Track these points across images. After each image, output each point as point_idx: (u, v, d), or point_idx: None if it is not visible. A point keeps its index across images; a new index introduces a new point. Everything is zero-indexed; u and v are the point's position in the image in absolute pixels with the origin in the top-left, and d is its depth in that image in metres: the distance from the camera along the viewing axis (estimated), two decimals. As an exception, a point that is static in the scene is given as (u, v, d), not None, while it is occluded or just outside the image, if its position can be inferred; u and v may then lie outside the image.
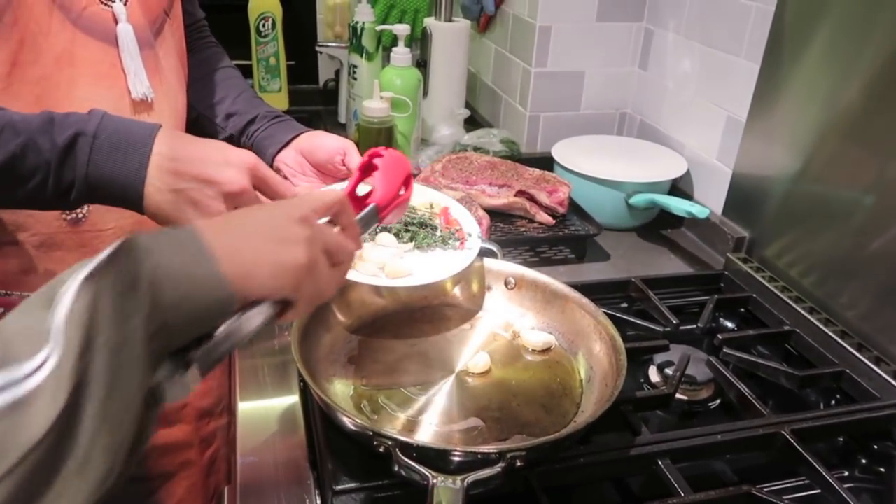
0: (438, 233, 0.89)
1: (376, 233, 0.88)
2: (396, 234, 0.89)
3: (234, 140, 0.97)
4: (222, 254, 0.42)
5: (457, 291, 0.91)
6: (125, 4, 0.77)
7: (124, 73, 0.78)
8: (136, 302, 0.37)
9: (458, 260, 0.86)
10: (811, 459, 0.71)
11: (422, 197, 0.95)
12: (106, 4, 0.76)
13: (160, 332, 0.38)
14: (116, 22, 0.76)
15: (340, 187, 0.91)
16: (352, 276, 0.81)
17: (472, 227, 0.91)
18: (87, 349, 0.34)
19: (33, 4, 0.69)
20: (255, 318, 0.46)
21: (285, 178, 0.94)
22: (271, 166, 0.95)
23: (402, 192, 0.69)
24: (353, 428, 0.64)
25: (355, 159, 0.92)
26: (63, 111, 0.73)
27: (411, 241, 0.88)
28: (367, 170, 0.69)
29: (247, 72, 1.68)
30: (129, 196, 0.63)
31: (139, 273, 0.37)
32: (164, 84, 0.84)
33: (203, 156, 0.64)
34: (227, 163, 0.65)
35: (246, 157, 0.67)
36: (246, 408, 0.79)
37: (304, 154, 0.94)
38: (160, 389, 0.40)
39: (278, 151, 0.94)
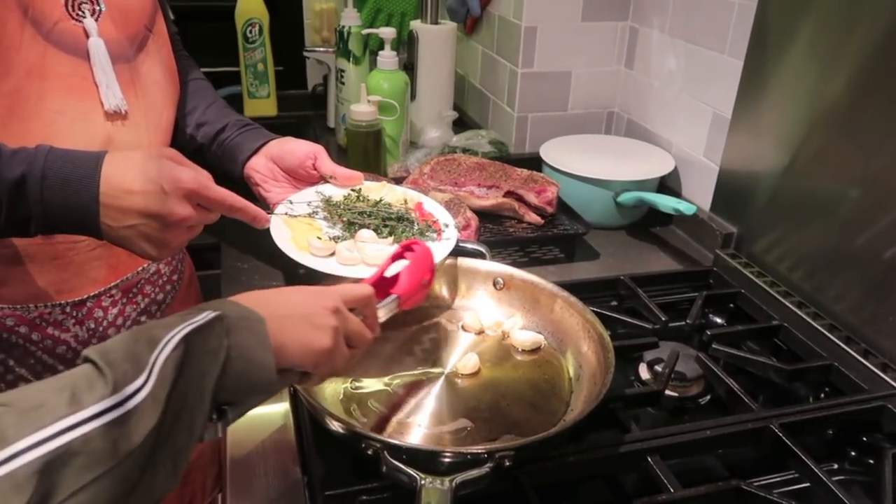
0: (416, 226, 0.90)
1: (356, 230, 0.90)
2: (376, 230, 0.90)
3: (204, 149, 0.98)
4: (271, 326, 0.53)
5: (445, 292, 0.91)
6: (97, 20, 0.78)
7: (96, 86, 0.79)
8: (214, 364, 0.49)
9: (438, 250, 0.86)
10: (800, 453, 0.71)
11: (394, 194, 0.96)
12: (77, 20, 0.77)
13: (220, 391, 0.50)
14: (87, 36, 0.77)
15: (313, 191, 0.93)
16: (338, 270, 0.83)
17: (446, 218, 0.93)
18: (175, 386, 0.46)
19: (6, 21, 0.70)
20: (282, 382, 0.57)
21: (256, 184, 0.96)
22: (242, 173, 0.97)
23: (424, 281, 0.77)
24: (341, 431, 0.65)
25: (326, 163, 0.94)
26: (34, 122, 0.73)
27: (391, 235, 0.89)
28: (397, 256, 0.77)
29: (235, 78, 1.68)
30: (87, 228, 0.67)
31: (221, 344, 0.50)
32: (142, 98, 0.84)
33: (142, 188, 0.66)
34: (165, 192, 0.67)
35: (185, 180, 0.68)
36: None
37: (274, 160, 0.95)
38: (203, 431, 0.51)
39: (248, 158, 0.96)
